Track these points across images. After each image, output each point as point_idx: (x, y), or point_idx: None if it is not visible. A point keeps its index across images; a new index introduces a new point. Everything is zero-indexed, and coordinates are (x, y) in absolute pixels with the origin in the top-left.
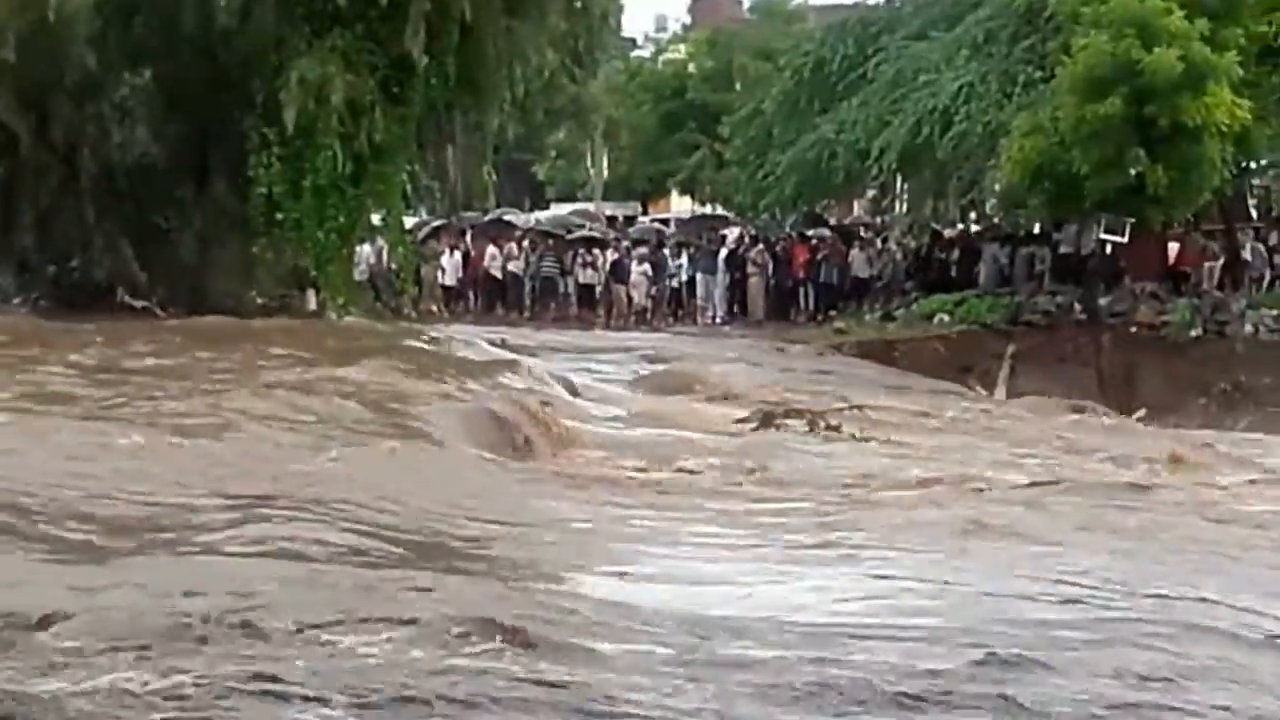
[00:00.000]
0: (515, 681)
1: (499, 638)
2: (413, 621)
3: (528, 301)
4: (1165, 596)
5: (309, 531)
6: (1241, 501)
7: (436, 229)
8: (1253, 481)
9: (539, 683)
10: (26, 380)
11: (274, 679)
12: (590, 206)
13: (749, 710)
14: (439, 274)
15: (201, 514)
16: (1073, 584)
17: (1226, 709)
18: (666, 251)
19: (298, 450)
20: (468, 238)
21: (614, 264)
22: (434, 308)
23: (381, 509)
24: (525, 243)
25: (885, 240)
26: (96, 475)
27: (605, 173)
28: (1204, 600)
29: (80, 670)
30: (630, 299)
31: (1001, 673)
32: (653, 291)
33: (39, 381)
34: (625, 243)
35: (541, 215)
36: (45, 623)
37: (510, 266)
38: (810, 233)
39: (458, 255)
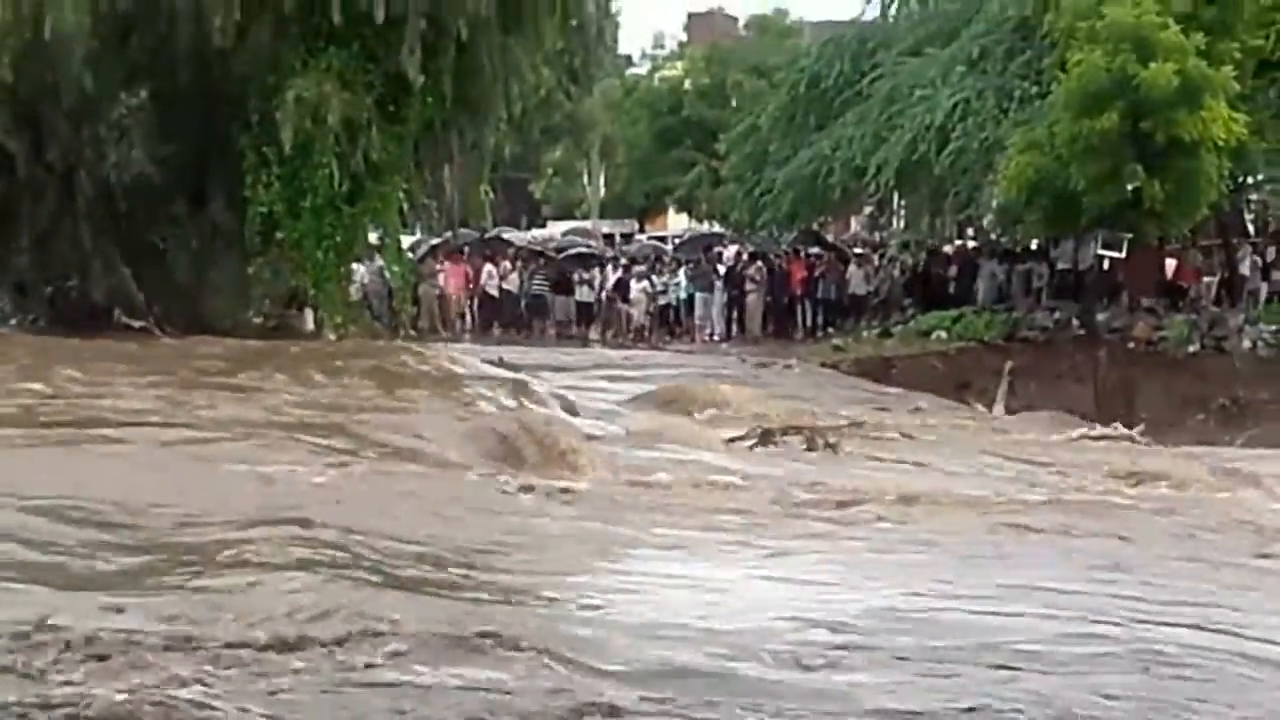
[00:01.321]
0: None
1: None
2: (413, 635)
3: (524, 319)
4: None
5: (309, 551)
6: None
7: (434, 247)
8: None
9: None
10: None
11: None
12: (587, 224)
13: None
14: (436, 293)
15: (207, 533)
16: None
17: None
18: (663, 269)
19: (293, 471)
20: (465, 256)
21: (618, 282)
22: (431, 326)
23: (381, 529)
24: (519, 261)
25: (883, 257)
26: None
27: (602, 190)
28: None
29: None
30: (629, 317)
31: None
32: (651, 309)
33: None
34: (624, 261)
35: (539, 233)
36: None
37: (505, 285)
38: (809, 250)
39: (455, 274)
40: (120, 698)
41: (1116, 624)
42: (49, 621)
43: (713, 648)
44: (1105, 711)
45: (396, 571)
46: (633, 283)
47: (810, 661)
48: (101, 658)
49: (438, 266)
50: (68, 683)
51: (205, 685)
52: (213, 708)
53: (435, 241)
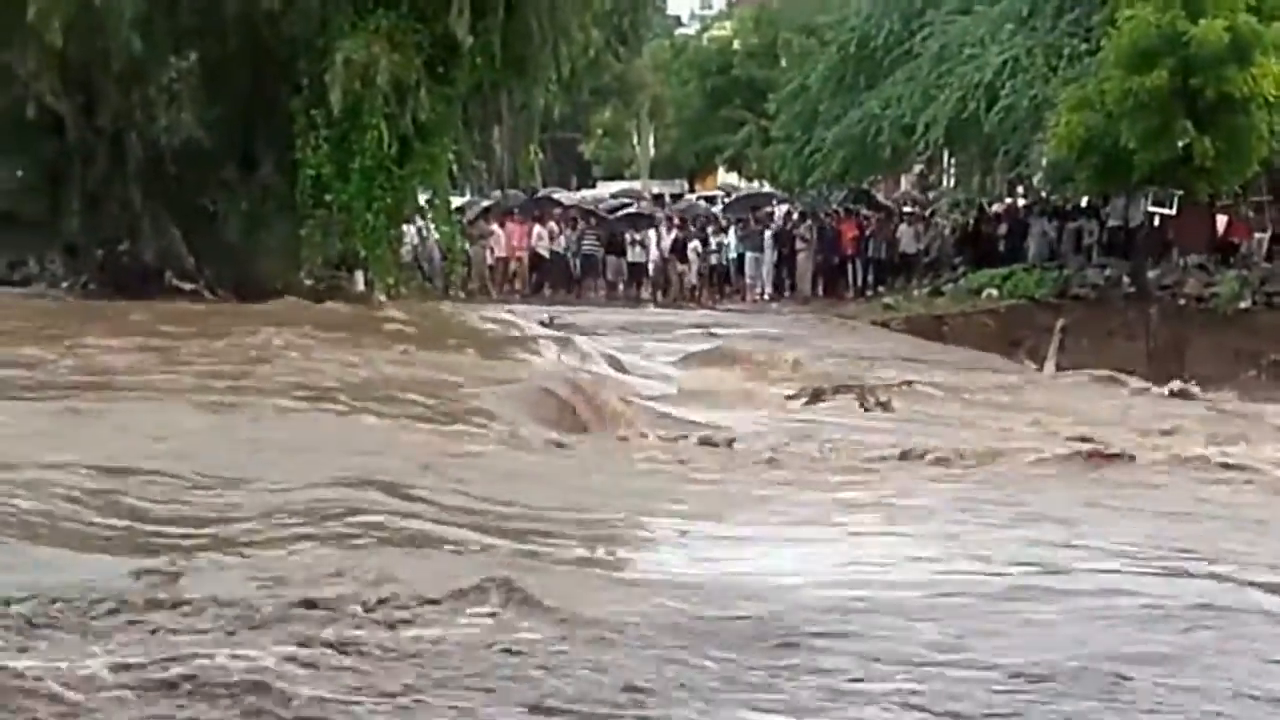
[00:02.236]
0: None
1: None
2: (484, 601)
3: (575, 279)
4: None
5: (374, 513)
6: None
7: (485, 209)
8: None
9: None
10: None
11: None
12: (637, 184)
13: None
14: (487, 253)
15: (272, 499)
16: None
17: None
18: (713, 228)
19: (354, 431)
20: (516, 217)
21: (675, 241)
22: (482, 287)
23: (444, 489)
24: (569, 222)
25: (933, 215)
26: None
27: (651, 150)
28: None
29: None
30: (681, 276)
31: None
32: (702, 269)
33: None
34: (676, 220)
35: (588, 194)
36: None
37: (555, 245)
38: (859, 209)
39: (505, 234)
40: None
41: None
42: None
43: (751, 603)
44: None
45: (430, 531)
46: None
47: (849, 616)
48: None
49: (490, 228)
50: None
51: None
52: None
53: (486, 203)
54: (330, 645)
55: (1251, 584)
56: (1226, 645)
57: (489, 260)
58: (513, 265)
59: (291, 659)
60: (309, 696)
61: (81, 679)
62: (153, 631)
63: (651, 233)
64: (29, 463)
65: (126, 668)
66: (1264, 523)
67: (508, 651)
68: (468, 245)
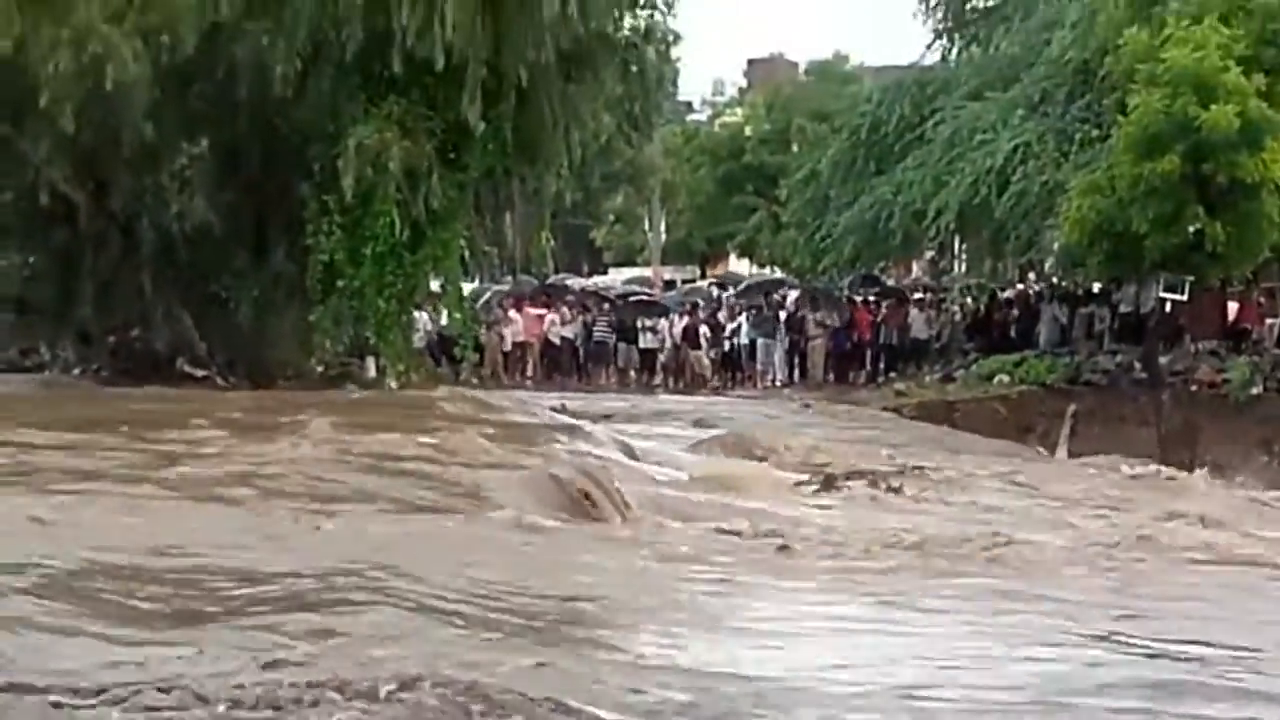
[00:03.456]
0: None
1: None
2: (482, 696)
3: (586, 366)
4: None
5: (375, 603)
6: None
7: (501, 295)
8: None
9: None
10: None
11: None
12: (648, 271)
13: None
14: (500, 340)
15: (269, 586)
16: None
17: None
18: (725, 314)
19: (359, 521)
20: (530, 303)
21: (686, 328)
22: (494, 374)
23: (447, 579)
24: (580, 308)
25: (944, 301)
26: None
27: (663, 236)
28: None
29: None
30: (693, 363)
31: None
32: (712, 354)
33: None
34: (692, 306)
35: (600, 279)
36: None
37: (566, 332)
38: (869, 295)
39: (518, 321)
40: None
41: None
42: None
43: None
44: None
45: (441, 617)
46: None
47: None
48: None
49: (506, 315)
50: None
51: None
52: None
53: (500, 288)
54: None
55: None
56: None
57: (503, 347)
58: (526, 352)
59: None
60: None
61: None
62: None
63: (664, 319)
64: None
65: None
66: None
67: None
68: (483, 331)
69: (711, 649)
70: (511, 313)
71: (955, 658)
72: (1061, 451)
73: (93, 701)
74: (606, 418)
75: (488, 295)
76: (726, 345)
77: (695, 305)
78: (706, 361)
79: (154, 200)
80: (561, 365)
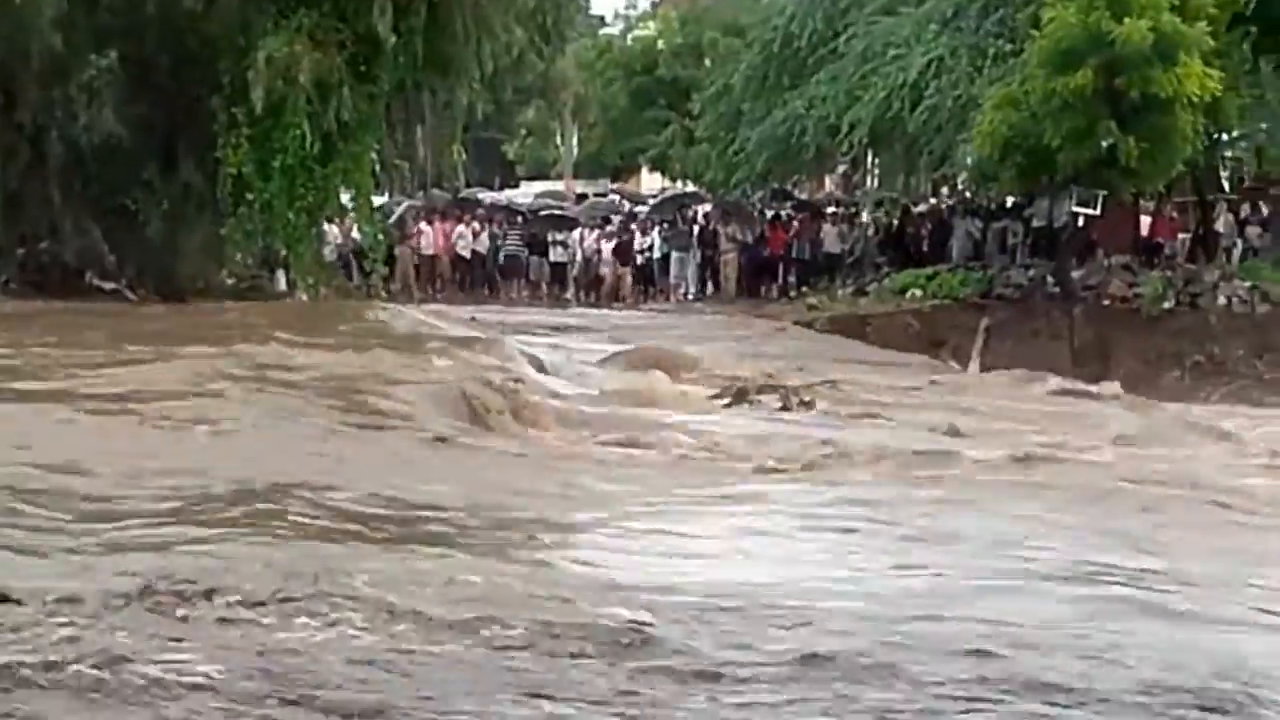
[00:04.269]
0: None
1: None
2: (369, 602)
3: (497, 280)
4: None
5: (280, 511)
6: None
7: (413, 209)
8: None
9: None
10: None
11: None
12: (560, 185)
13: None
14: (413, 254)
15: (185, 498)
16: None
17: None
18: (637, 227)
19: (268, 433)
20: (440, 216)
21: (617, 246)
22: (404, 287)
23: (352, 489)
24: (491, 222)
25: (857, 215)
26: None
27: (575, 150)
28: None
29: None
30: (603, 277)
31: None
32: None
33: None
34: (603, 220)
35: (512, 194)
36: None
37: (477, 246)
38: (782, 209)
39: (429, 234)
40: None
41: None
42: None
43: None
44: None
45: (355, 533)
46: (603, 243)
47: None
48: None
49: (417, 227)
50: None
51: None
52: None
53: (413, 202)
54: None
55: None
56: None
57: (414, 260)
58: (438, 265)
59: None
60: None
61: None
62: None
63: (575, 233)
64: None
65: None
66: None
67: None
68: (397, 245)
69: (610, 561)
70: (423, 225)
71: (859, 566)
72: (974, 366)
73: None
74: (517, 332)
75: (401, 209)
76: (639, 260)
77: (605, 219)
78: (629, 279)
79: (63, 112)
80: (473, 279)
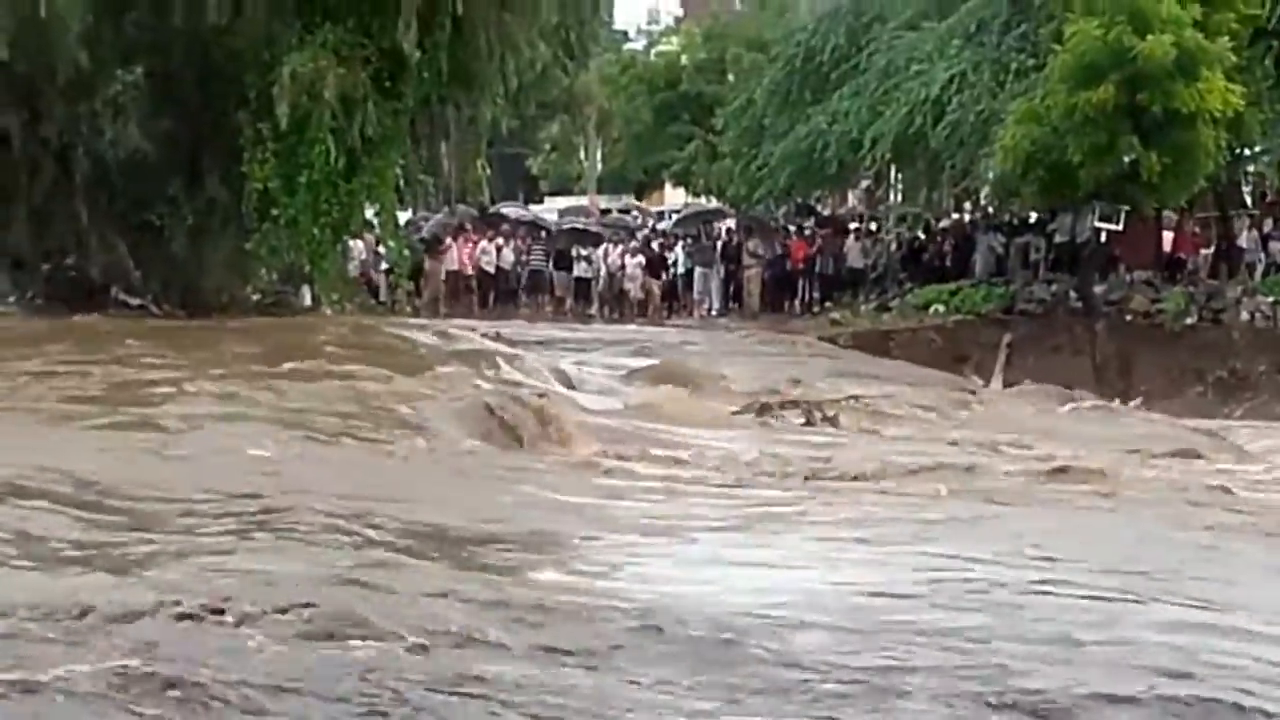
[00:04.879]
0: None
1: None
2: (413, 620)
3: (521, 296)
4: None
5: (307, 527)
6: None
7: (441, 224)
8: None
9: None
10: None
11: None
12: (584, 200)
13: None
14: (442, 269)
15: (202, 513)
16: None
17: None
18: (661, 243)
19: (297, 447)
20: (468, 232)
21: (651, 260)
22: (429, 302)
23: (378, 506)
24: (516, 238)
25: (880, 230)
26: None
27: (599, 165)
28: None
29: None
30: (628, 292)
31: None
32: (648, 285)
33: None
34: (629, 235)
35: (536, 209)
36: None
37: (502, 261)
38: (805, 224)
39: (456, 250)
40: None
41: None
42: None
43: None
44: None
45: (384, 551)
46: (628, 258)
47: (773, 633)
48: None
49: (447, 243)
50: None
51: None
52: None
53: (442, 218)
54: None
55: None
56: None
57: (442, 275)
58: (463, 281)
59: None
60: None
61: None
62: None
63: (599, 248)
64: None
65: None
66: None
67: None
68: (425, 260)
69: (619, 572)
70: (449, 241)
71: (888, 580)
72: (996, 381)
73: None
74: (542, 346)
75: (432, 223)
76: (663, 275)
77: (631, 234)
78: (656, 291)
79: (88, 128)
80: (498, 294)
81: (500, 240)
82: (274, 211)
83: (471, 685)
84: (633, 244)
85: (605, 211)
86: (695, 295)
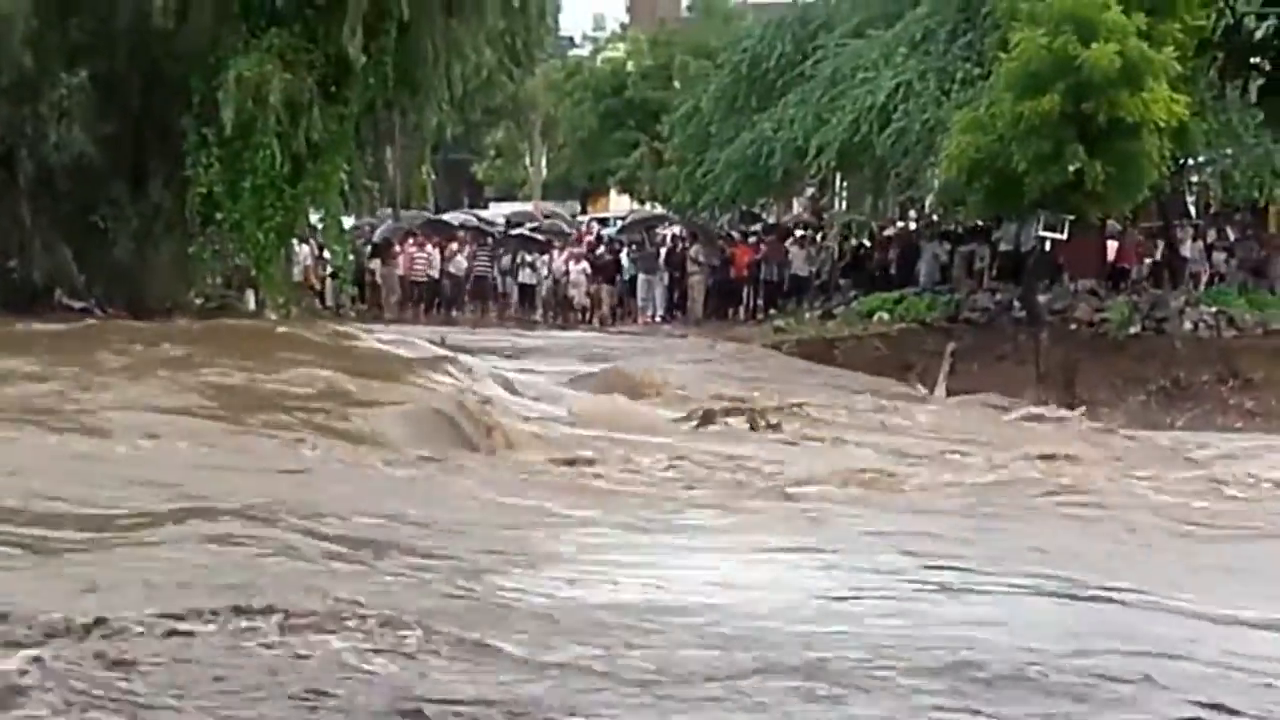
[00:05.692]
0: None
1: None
2: (343, 618)
3: (466, 301)
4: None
5: (248, 531)
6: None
7: (392, 229)
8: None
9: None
10: None
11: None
12: (529, 206)
13: None
14: (393, 274)
15: (145, 515)
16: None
17: None
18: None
19: (239, 452)
20: (415, 237)
21: (603, 265)
22: (372, 307)
23: (320, 510)
24: (462, 243)
25: (824, 238)
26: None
27: (544, 171)
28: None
29: None
30: (572, 299)
31: None
32: (592, 291)
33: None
34: (586, 242)
35: (482, 214)
36: None
37: (448, 267)
38: (749, 231)
39: (402, 256)
40: None
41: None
42: None
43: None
44: None
45: (316, 548)
46: (573, 264)
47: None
48: None
49: (394, 248)
50: None
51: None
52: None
53: (392, 223)
54: None
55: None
56: None
57: (389, 281)
58: (408, 286)
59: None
60: None
61: None
62: None
63: (544, 255)
64: None
65: None
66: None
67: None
68: (378, 265)
69: (557, 578)
70: (396, 247)
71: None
72: (940, 389)
73: None
74: (487, 353)
75: (381, 229)
76: (615, 281)
77: (565, 238)
78: (604, 297)
79: (32, 131)
80: (443, 300)
81: (454, 245)
82: (218, 215)
83: None
84: (578, 250)
85: (550, 217)
86: (639, 302)
